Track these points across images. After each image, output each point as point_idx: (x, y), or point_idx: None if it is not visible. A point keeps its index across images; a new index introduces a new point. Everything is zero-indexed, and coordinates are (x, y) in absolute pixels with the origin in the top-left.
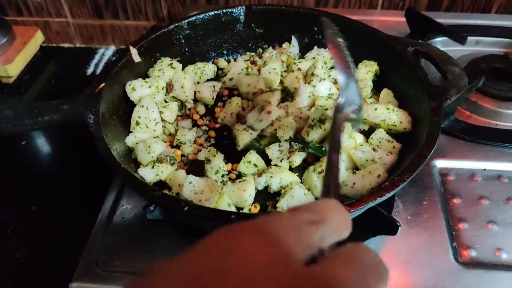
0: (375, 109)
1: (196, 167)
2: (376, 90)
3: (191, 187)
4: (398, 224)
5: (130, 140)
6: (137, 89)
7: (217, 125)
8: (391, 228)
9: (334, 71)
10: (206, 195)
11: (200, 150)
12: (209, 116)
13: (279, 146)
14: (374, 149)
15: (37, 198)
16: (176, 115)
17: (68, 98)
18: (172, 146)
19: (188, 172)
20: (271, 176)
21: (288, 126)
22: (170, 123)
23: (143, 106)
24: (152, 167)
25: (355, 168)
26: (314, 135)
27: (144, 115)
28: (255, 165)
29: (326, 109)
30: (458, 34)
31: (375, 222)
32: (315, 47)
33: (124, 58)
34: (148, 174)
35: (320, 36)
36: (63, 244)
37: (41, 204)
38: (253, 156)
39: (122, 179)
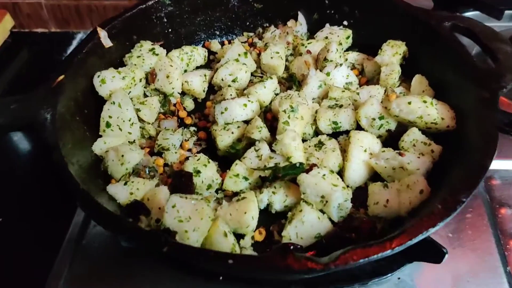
0: (409, 103)
1: (182, 181)
2: (405, 76)
3: (174, 212)
4: (445, 251)
5: (98, 147)
6: (107, 81)
7: (209, 124)
8: (434, 255)
9: (352, 54)
10: (195, 223)
11: (188, 158)
12: (199, 112)
13: (255, 150)
14: (400, 153)
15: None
16: (157, 113)
17: (18, 96)
18: (152, 153)
19: (172, 189)
20: (273, 192)
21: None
22: (149, 124)
23: (114, 103)
24: (125, 183)
25: (376, 178)
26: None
27: (116, 114)
28: (245, 178)
29: (341, 106)
30: (494, 7)
31: (413, 246)
32: (327, 25)
33: (90, 42)
34: (120, 193)
35: (333, 11)
36: (25, 271)
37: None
38: (240, 168)
39: (81, 206)
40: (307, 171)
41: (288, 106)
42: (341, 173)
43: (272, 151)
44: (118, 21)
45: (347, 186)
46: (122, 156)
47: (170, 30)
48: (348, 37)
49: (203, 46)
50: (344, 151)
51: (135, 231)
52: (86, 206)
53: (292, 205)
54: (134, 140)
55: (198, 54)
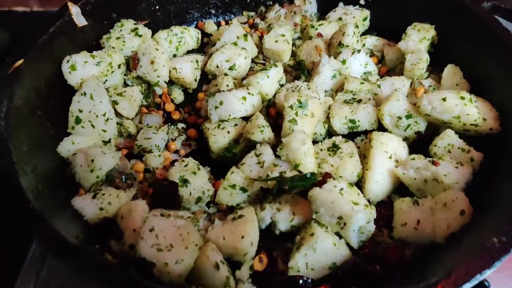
0: (443, 99)
1: (165, 194)
2: (434, 66)
3: (152, 238)
4: None
5: (65, 148)
6: (78, 67)
7: (201, 120)
8: None
9: (370, 39)
10: (178, 253)
11: (174, 162)
12: (189, 106)
13: (256, 155)
14: (433, 162)
15: None
16: (138, 106)
17: None
18: (131, 156)
19: (152, 202)
20: (278, 209)
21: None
22: (129, 119)
23: (85, 94)
24: (95, 196)
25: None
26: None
27: (88, 107)
28: (243, 190)
29: (359, 100)
30: None
31: None
32: (341, 4)
33: (59, 20)
34: (88, 208)
35: None
36: None
37: None
38: (237, 176)
39: (30, 230)
40: (320, 184)
41: (296, 101)
42: (359, 183)
43: (277, 156)
44: None
45: (368, 201)
46: (92, 161)
47: (157, 7)
48: (365, 19)
49: (196, 27)
50: (363, 157)
51: (98, 268)
52: (36, 231)
53: (301, 225)
54: (110, 140)
55: (190, 36)
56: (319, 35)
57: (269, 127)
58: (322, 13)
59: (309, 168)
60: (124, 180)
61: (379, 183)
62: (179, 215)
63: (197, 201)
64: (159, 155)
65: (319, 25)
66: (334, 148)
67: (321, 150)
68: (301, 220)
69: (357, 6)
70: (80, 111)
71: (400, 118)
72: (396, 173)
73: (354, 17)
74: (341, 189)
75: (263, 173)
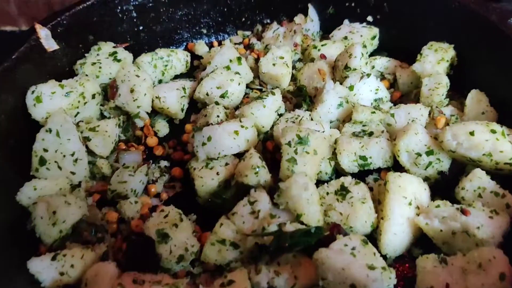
0: (471, 133)
1: (140, 252)
2: (454, 91)
3: None
4: None
5: (25, 196)
6: (44, 99)
7: (188, 156)
8: None
9: (380, 60)
10: None
11: (154, 210)
12: (174, 139)
13: (250, 203)
14: (463, 211)
15: None
16: (114, 142)
17: None
18: (104, 202)
19: (126, 261)
20: (276, 272)
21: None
22: (103, 158)
23: (51, 131)
24: (54, 257)
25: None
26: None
27: (54, 146)
28: (234, 246)
29: (371, 133)
30: None
31: None
32: (346, 21)
33: (24, 45)
34: (46, 272)
35: (353, 4)
36: None
37: None
38: (226, 229)
39: None
40: (328, 240)
41: (295, 136)
42: (373, 234)
43: (275, 204)
44: (67, 15)
45: (385, 257)
46: (54, 213)
47: (141, 27)
48: (373, 37)
49: (186, 48)
50: (378, 202)
51: None
52: None
53: None
54: (80, 183)
55: (178, 59)
56: (323, 56)
57: (266, 168)
58: (326, 32)
59: (313, 218)
60: (93, 233)
61: (397, 236)
62: (156, 280)
63: (179, 260)
64: (136, 202)
65: (322, 45)
66: (343, 192)
67: (327, 193)
68: (305, 285)
69: (364, 24)
70: (45, 150)
71: (419, 154)
72: (418, 223)
73: (361, 35)
74: (353, 248)
75: (258, 225)
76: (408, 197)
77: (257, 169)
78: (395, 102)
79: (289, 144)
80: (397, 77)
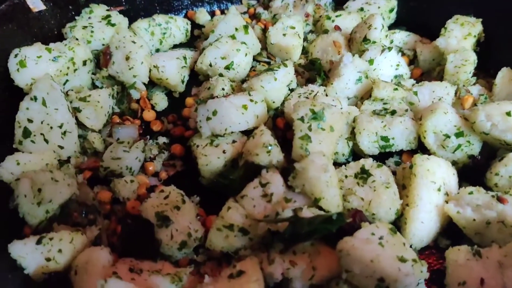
0: (507, 113)
1: (137, 236)
2: (480, 69)
3: None
4: None
5: (7, 171)
6: (29, 63)
7: (189, 133)
8: None
9: (399, 34)
10: None
11: (151, 191)
12: (174, 114)
13: (261, 184)
14: (499, 199)
15: None
16: (107, 114)
17: None
18: (96, 180)
19: (121, 246)
20: (292, 262)
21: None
22: (95, 131)
23: (36, 99)
24: (40, 241)
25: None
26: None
27: (39, 116)
28: (243, 232)
29: (393, 112)
30: None
31: None
32: None
33: (6, 4)
34: (30, 257)
35: None
36: None
37: None
38: (235, 213)
39: None
40: (350, 228)
41: (308, 111)
42: (397, 222)
43: (289, 187)
44: None
45: (410, 247)
46: (40, 190)
47: None
48: (391, 10)
49: (185, 16)
50: (402, 187)
51: None
52: None
53: (324, 284)
54: (68, 159)
55: (177, 27)
56: (337, 28)
57: (278, 146)
58: (338, 3)
59: (333, 203)
60: (84, 214)
61: (425, 224)
62: (156, 269)
63: (181, 247)
64: (132, 181)
65: (336, 16)
66: (364, 175)
67: (346, 177)
68: (324, 277)
69: None
70: (30, 121)
71: (448, 136)
72: (448, 211)
73: (378, 7)
74: (381, 237)
75: (271, 210)
76: (437, 182)
77: (269, 148)
78: (416, 79)
79: (301, 119)
80: (417, 53)
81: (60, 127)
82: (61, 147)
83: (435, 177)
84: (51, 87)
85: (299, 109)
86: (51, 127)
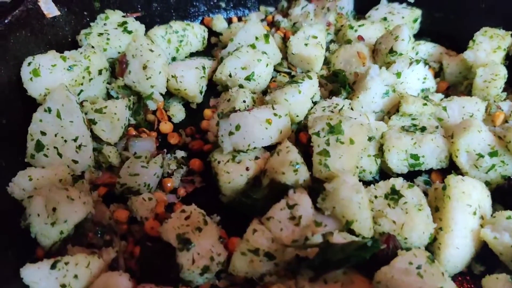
0: None
1: (157, 260)
2: (510, 84)
3: None
4: None
5: (19, 187)
6: (43, 72)
7: (208, 147)
8: None
9: (424, 45)
10: None
11: (171, 210)
12: (192, 126)
13: (288, 206)
14: None
15: None
16: (124, 126)
17: None
18: (111, 197)
19: (140, 270)
20: None
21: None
22: (110, 145)
23: (50, 111)
24: (54, 265)
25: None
26: None
27: (53, 129)
28: (269, 257)
29: (423, 128)
30: None
31: None
32: (384, 1)
33: (20, 9)
34: (44, 284)
35: None
36: None
37: None
38: (261, 236)
39: None
40: (383, 255)
41: (325, 125)
42: (429, 246)
43: (317, 208)
44: None
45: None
46: (54, 210)
47: None
48: (415, 20)
49: (202, 23)
50: (435, 210)
51: None
52: None
53: None
54: (83, 174)
55: (194, 34)
56: (360, 38)
57: (305, 165)
58: (359, 11)
59: (365, 226)
60: (100, 235)
61: (460, 250)
62: None
63: (203, 272)
64: (150, 198)
65: (359, 25)
66: (395, 196)
67: (376, 197)
68: None
69: (404, 4)
70: (43, 133)
71: (481, 156)
72: (484, 236)
73: (402, 17)
74: (419, 267)
75: (299, 233)
76: (472, 205)
77: (296, 166)
78: (442, 93)
79: (318, 134)
80: (444, 65)
81: (75, 140)
82: (76, 162)
83: (471, 200)
84: (66, 98)
85: (315, 124)
86: (65, 140)
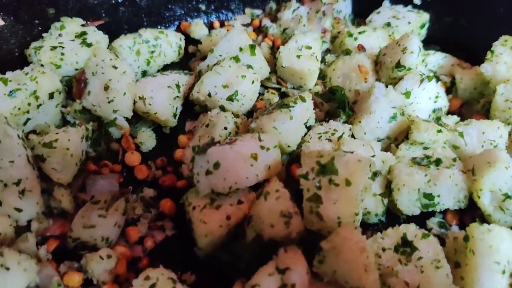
0: None
1: None
2: None
3: None
4: None
5: None
6: None
7: (182, 183)
8: None
9: (434, 56)
10: None
11: (136, 264)
12: (165, 156)
13: (279, 271)
14: None
15: None
16: (80, 161)
17: None
18: (63, 252)
19: None
20: None
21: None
22: (63, 186)
23: None
24: None
25: None
26: None
27: None
28: None
29: (438, 161)
30: None
31: None
32: (386, 3)
33: None
34: None
35: None
36: None
37: None
38: None
39: None
40: None
41: (314, 164)
42: None
43: (314, 273)
44: None
45: None
46: None
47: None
48: (423, 26)
49: (178, 29)
50: (454, 265)
51: None
52: None
53: None
54: (29, 224)
55: (168, 43)
56: (361, 48)
57: (299, 214)
58: (359, 15)
59: None
60: None
61: None
62: None
63: None
64: (109, 256)
65: (359, 32)
66: (407, 249)
67: (384, 250)
68: None
69: (409, 7)
70: None
71: (508, 197)
72: None
73: (409, 22)
74: None
75: None
76: (501, 262)
77: (288, 217)
78: (454, 113)
79: (305, 176)
80: (456, 80)
81: (17, 184)
82: (19, 210)
83: (499, 256)
84: (4, 134)
85: (303, 162)
86: (5, 185)
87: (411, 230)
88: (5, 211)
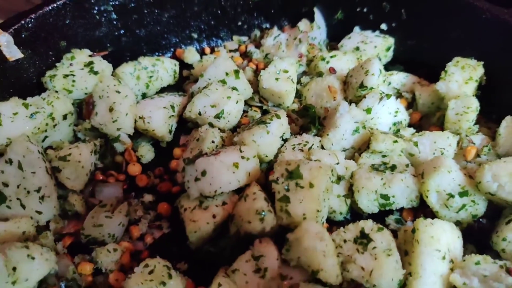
0: None
1: None
2: (482, 113)
3: None
4: None
5: None
6: (4, 121)
7: (177, 189)
8: None
9: (397, 76)
10: None
11: (138, 256)
12: (161, 166)
13: (254, 258)
14: (508, 270)
15: None
16: (90, 171)
17: None
18: (78, 247)
19: None
20: None
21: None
22: (76, 193)
23: (11, 162)
24: None
25: None
26: None
27: (15, 180)
28: None
29: (393, 167)
30: None
31: None
32: (356, 28)
33: None
34: None
35: (365, 9)
36: None
37: None
38: None
39: None
40: None
41: (284, 171)
42: None
43: (284, 260)
44: (33, 17)
45: None
46: (14, 269)
47: (122, 31)
48: (388, 49)
49: (173, 55)
50: (404, 253)
51: None
52: None
53: None
54: (48, 224)
55: (164, 69)
56: (332, 70)
57: (272, 212)
58: (333, 39)
59: (332, 274)
60: None
61: None
62: None
63: None
64: (115, 249)
65: (331, 56)
66: (364, 240)
67: (345, 241)
68: None
69: (377, 32)
70: (5, 185)
71: (451, 196)
72: (454, 282)
73: (375, 46)
74: None
75: (265, 287)
76: (441, 249)
77: (262, 214)
78: (414, 124)
79: (276, 181)
80: (416, 96)
81: (38, 191)
82: (39, 212)
83: (440, 245)
84: (27, 150)
85: (275, 170)
86: (28, 192)
87: (368, 225)
88: (28, 213)
